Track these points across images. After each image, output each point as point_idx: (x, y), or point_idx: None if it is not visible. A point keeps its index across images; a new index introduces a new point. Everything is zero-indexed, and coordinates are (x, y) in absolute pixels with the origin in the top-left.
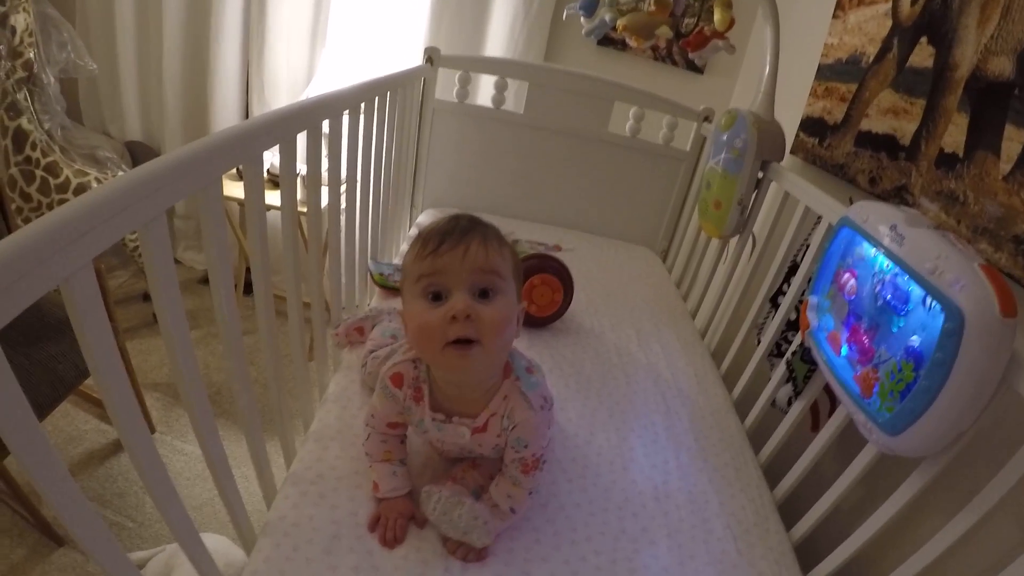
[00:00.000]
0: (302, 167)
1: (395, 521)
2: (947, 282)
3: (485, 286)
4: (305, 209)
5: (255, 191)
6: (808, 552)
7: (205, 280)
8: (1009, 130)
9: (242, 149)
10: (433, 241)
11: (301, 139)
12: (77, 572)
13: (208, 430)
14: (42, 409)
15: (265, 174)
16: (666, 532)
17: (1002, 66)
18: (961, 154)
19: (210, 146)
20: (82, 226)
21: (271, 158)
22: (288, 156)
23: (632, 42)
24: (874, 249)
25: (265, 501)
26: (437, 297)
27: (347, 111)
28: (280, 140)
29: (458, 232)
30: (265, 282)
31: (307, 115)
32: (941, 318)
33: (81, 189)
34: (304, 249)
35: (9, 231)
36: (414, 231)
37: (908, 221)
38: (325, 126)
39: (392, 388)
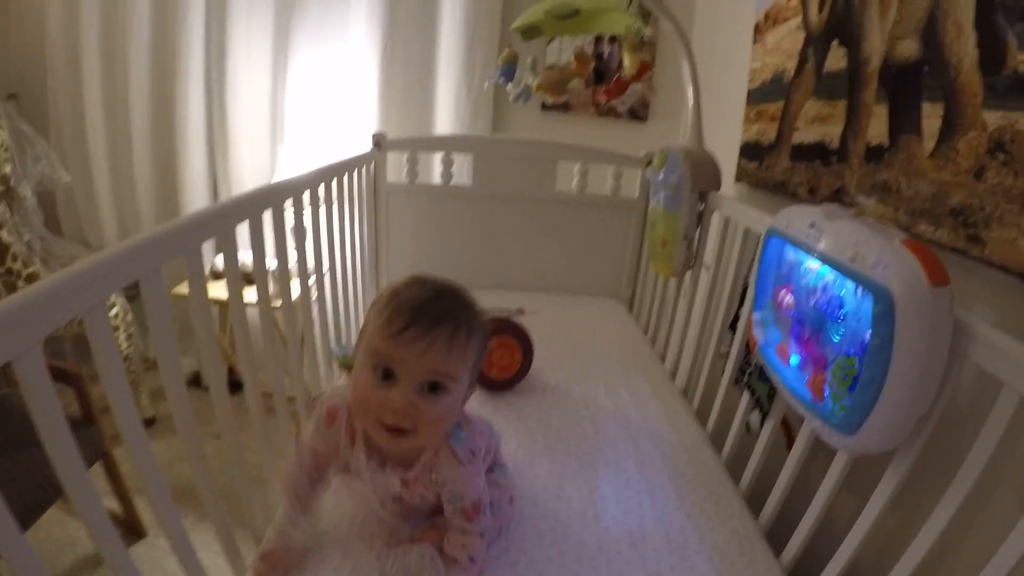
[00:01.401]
0: (273, 262)
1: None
2: (870, 265)
3: (436, 382)
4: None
5: (196, 280)
6: (805, 575)
7: (195, 382)
8: (926, 107)
9: (181, 242)
10: (399, 321)
11: (243, 230)
12: None
13: (169, 512)
14: (33, 513)
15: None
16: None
17: (909, 48)
18: (887, 143)
19: (150, 240)
20: (27, 312)
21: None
22: (229, 249)
23: (548, 98)
24: (801, 258)
25: None
26: (386, 375)
27: (291, 200)
28: (217, 233)
29: (427, 320)
30: (216, 375)
31: (248, 206)
32: (872, 303)
33: None
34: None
35: None
36: (384, 288)
37: (826, 215)
38: (277, 215)
39: (323, 422)
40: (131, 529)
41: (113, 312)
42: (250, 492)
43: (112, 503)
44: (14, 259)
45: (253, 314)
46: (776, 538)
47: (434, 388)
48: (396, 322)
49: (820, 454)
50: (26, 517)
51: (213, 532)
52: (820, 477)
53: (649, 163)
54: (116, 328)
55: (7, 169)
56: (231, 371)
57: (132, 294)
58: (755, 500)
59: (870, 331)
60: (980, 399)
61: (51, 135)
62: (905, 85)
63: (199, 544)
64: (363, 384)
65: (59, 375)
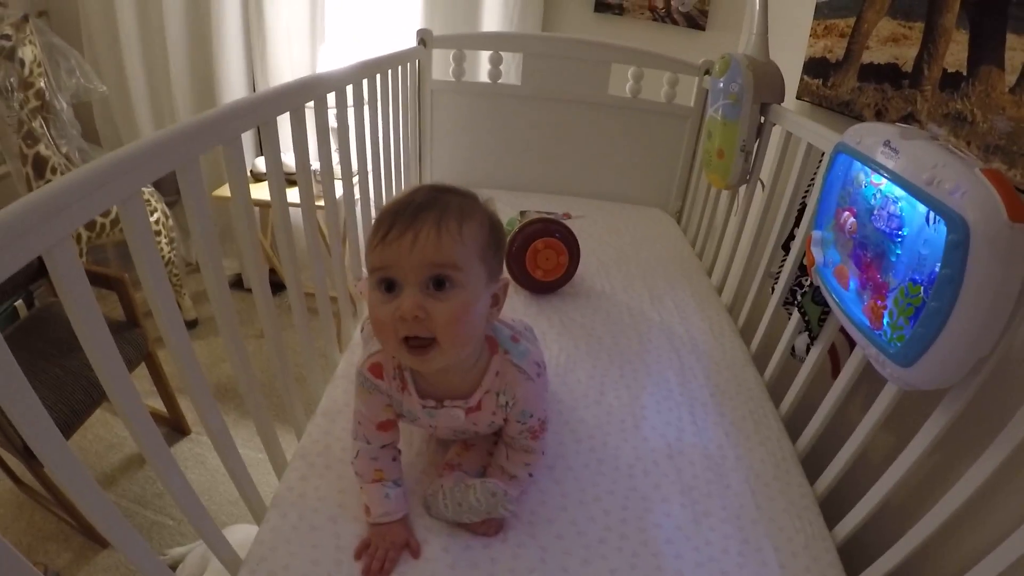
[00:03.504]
0: (315, 162)
1: (384, 552)
2: (946, 191)
3: (439, 276)
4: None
5: (236, 173)
6: (836, 506)
7: (237, 284)
8: (1011, 39)
9: (219, 130)
10: (383, 226)
11: (284, 132)
12: (121, 572)
13: (209, 408)
14: (78, 415)
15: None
16: (679, 489)
17: None
18: (965, 72)
19: (186, 128)
20: (60, 202)
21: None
22: (270, 141)
23: None
24: (865, 176)
25: (277, 477)
26: (391, 287)
27: (333, 93)
28: (257, 123)
29: (409, 214)
30: (258, 272)
31: (288, 97)
32: (945, 231)
33: None
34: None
35: None
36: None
37: (903, 135)
38: (320, 109)
39: (374, 380)
40: (175, 427)
41: (155, 217)
42: (291, 390)
43: (157, 403)
44: (53, 171)
45: (295, 215)
46: (810, 466)
47: (440, 284)
48: (380, 228)
49: (863, 386)
50: (73, 420)
51: (254, 429)
52: (859, 410)
53: (708, 71)
54: (158, 233)
55: (41, 84)
56: (272, 272)
57: (172, 200)
58: (793, 425)
59: (940, 260)
60: None
61: (84, 47)
62: (990, 13)
63: (240, 440)
64: (374, 304)
65: (102, 280)
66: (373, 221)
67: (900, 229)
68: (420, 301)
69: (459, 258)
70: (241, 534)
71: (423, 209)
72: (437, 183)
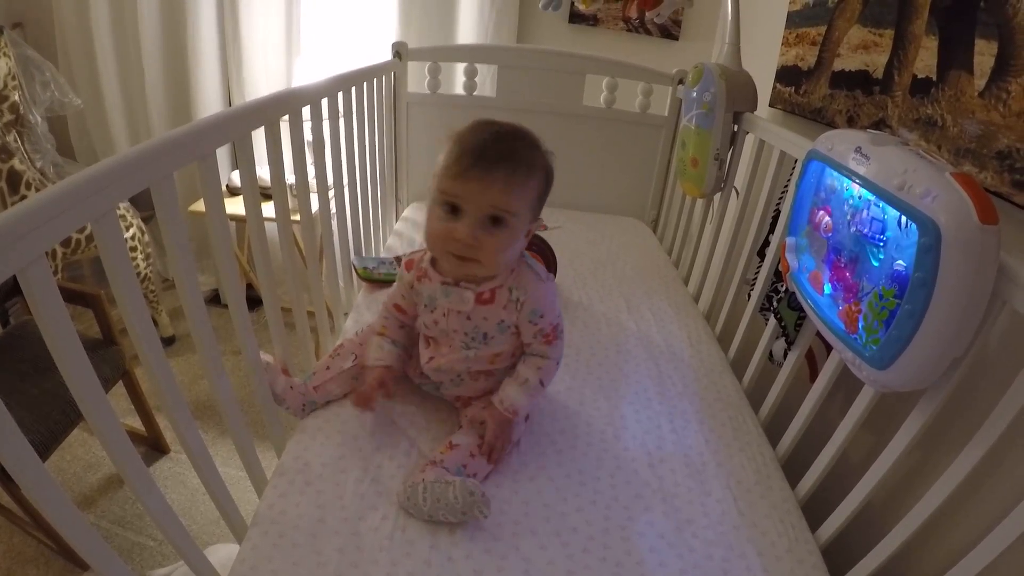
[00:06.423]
0: (291, 176)
1: (369, 389)
2: (917, 196)
3: (496, 216)
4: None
5: (211, 189)
6: (818, 508)
7: (214, 300)
8: (979, 44)
9: (193, 147)
10: (463, 162)
11: (259, 146)
12: None
13: (187, 427)
14: (56, 436)
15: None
16: (661, 497)
17: None
18: (935, 77)
19: (160, 145)
20: (32, 222)
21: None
22: (245, 157)
23: (582, 5)
24: (844, 179)
25: (257, 495)
26: (453, 210)
27: (308, 108)
28: (232, 138)
29: (488, 159)
30: (234, 287)
31: (262, 112)
32: (917, 235)
33: None
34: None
35: None
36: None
37: (873, 141)
38: (295, 122)
39: (403, 270)
40: (154, 446)
41: (130, 233)
42: (270, 407)
43: (135, 421)
44: (28, 187)
45: (271, 229)
46: (791, 469)
47: (495, 222)
48: (461, 162)
49: (842, 389)
50: (50, 440)
51: (234, 447)
52: (838, 413)
53: (681, 81)
54: (134, 249)
55: (15, 97)
56: (249, 287)
57: (148, 215)
58: (773, 430)
59: (912, 264)
60: (1006, 350)
61: (59, 60)
62: (958, 19)
63: (220, 459)
64: (433, 218)
65: (78, 298)
66: (451, 146)
67: (883, 233)
68: (475, 232)
69: (516, 206)
70: (223, 553)
71: (501, 159)
72: (510, 125)
